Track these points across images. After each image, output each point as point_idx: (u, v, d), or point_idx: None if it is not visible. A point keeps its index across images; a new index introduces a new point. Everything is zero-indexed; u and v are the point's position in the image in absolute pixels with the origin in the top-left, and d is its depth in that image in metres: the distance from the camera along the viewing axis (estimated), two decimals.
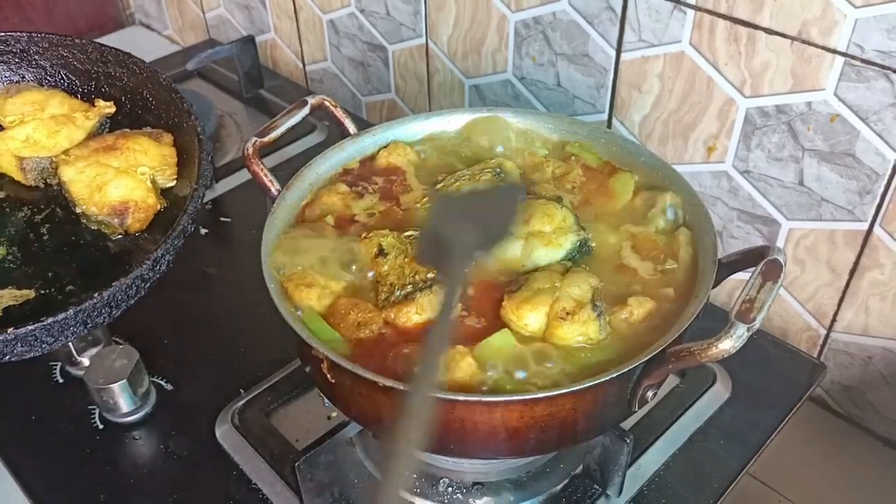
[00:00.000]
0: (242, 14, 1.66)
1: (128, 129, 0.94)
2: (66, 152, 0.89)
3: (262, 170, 0.85)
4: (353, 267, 0.77)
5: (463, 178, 0.86)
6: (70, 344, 0.94)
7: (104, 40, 1.86)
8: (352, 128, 0.93)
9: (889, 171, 0.86)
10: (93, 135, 0.93)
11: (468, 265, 0.67)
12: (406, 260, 0.75)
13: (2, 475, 0.89)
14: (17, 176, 0.92)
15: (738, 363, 0.92)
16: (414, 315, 0.71)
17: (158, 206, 0.87)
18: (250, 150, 0.85)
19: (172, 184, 0.91)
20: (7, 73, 0.98)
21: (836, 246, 0.95)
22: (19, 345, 0.71)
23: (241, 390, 0.94)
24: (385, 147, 0.91)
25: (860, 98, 0.85)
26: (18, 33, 0.96)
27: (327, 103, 0.91)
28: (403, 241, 0.77)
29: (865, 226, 0.91)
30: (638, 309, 0.71)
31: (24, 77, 0.98)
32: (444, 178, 0.87)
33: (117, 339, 1.00)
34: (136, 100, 0.97)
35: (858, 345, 0.99)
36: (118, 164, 0.88)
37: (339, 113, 0.92)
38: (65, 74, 0.99)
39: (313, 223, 0.83)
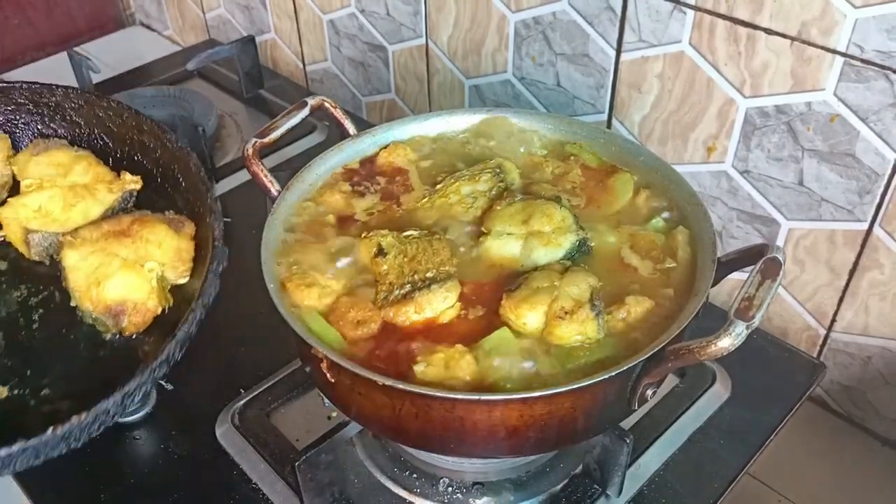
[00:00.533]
0: (242, 14, 1.67)
1: (148, 213, 0.85)
2: (74, 231, 0.82)
3: (262, 170, 0.85)
4: (353, 267, 0.77)
5: (463, 178, 0.86)
6: None
7: (104, 40, 1.89)
8: (351, 128, 0.93)
9: (889, 171, 0.86)
10: (113, 210, 0.86)
11: None
12: (405, 259, 0.75)
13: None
14: (22, 248, 0.85)
15: (738, 363, 0.92)
16: (413, 314, 0.71)
17: (160, 309, 0.80)
18: (250, 151, 0.85)
19: (185, 280, 0.82)
20: (39, 126, 0.90)
21: (835, 246, 0.95)
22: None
23: (241, 390, 0.94)
24: (385, 147, 0.91)
25: (860, 98, 0.85)
26: (54, 86, 0.90)
27: (327, 104, 0.92)
28: (403, 241, 0.77)
29: (865, 226, 0.91)
30: (636, 308, 0.71)
31: (56, 132, 0.91)
32: (444, 178, 0.87)
33: None
34: (167, 175, 0.88)
35: (858, 344, 0.99)
36: (126, 253, 0.80)
37: (338, 114, 0.93)
38: (98, 134, 0.92)
39: (314, 223, 0.83)
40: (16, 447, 0.64)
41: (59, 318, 0.80)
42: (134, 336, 0.79)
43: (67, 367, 0.77)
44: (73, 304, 0.80)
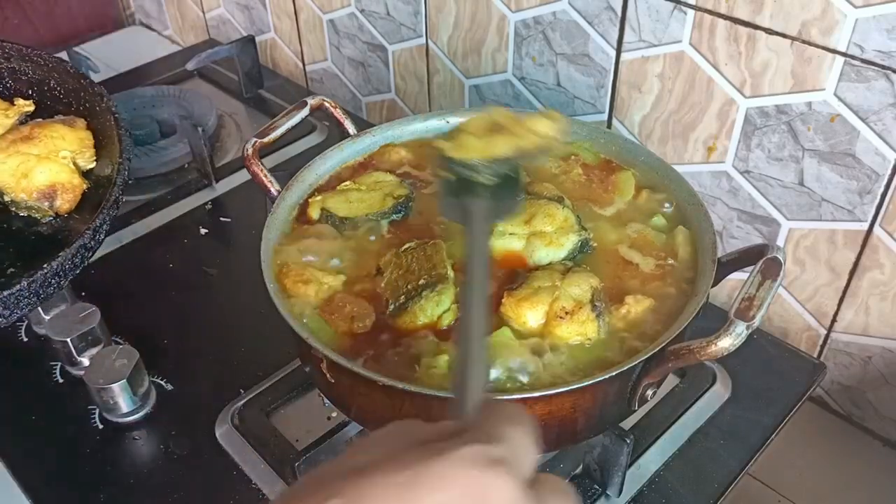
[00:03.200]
0: (242, 14, 1.67)
1: (41, 120, 0.95)
2: None
3: (261, 170, 0.85)
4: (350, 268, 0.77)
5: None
6: (70, 344, 0.94)
7: (104, 40, 1.89)
8: (351, 128, 0.93)
9: (889, 171, 0.86)
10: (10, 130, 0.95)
11: (490, 224, 0.65)
12: (400, 273, 0.75)
13: (2, 475, 0.89)
14: None
15: (739, 363, 0.92)
16: (409, 323, 0.71)
17: (84, 187, 0.91)
18: (250, 151, 0.85)
19: (92, 165, 0.94)
20: None
21: (836, 246, 0.95)
22: None
23: (241, 390, 0.94)
24: (376, 152, 0.92)
25: (860, 98, 0.85)
26: None
27: (327, 104, 0.92)
28: (399, 256, 0.77)
29: (865, 226, 0.91)
30: (636, 307, 0.71)
31: None
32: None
33: (117, 339, 1.00)
34: (43, 91, 1.00)
35: (858, 345, 0.99)
36: (38, 151, 0.90)
37: (338, 113, 0.93)
38: None
39: (314, 225, 0.83)
40: (24, 282, 0.75)
41: None
42: (68, 215, 0.90)
43: (20, 250, 0.86)
44: (6, 199, 0.89)
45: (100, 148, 0.94)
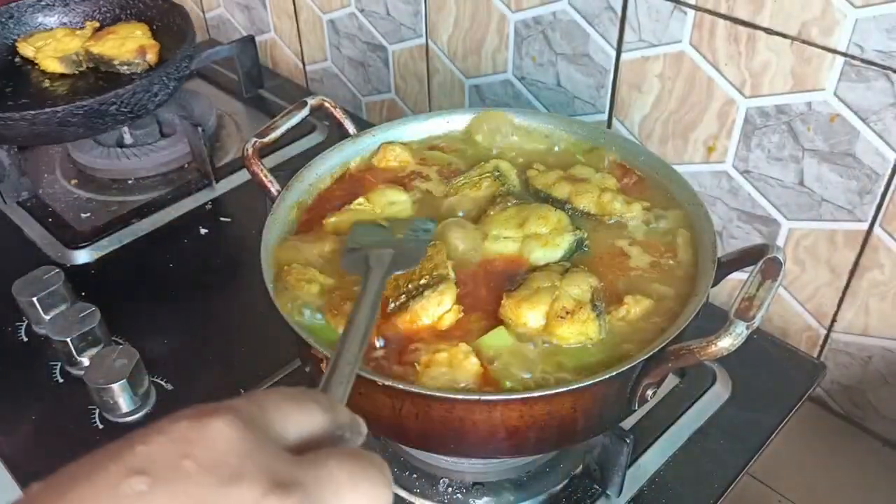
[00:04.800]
0: (242, 14, 1.67)
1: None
2: (84, 43, 1.31)
3: (261, 170, 0.85)
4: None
5: (462, 185, 0.86)
6: (70, 344, 0.94)
7: None
8: (351, 128, 0.93)
9: (889, 171, 0.86)
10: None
11: (387, 277, 0.68)
12: (398, 273, 0.75)
13: (2, 475, 0.89)
14: (60, 69, 1.29)
15: (738, 363, 0.92)
16: (409, 323, 0.71)
17: (158, 46, 1.29)
18: (250, 151, 0.85)
19: (157, 47, 1.31)
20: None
21: (836, 246, 0.95)
22: (82, 118, 1.11)
23: (241, 390, 0.94)
24: (376, 152, 0.91)
25: (860, 98, 0.85)
26: None
27: (327, 104, 0.92)
28: None
29: (865, 226, 0.91)
30: (635, 307, 0.71)
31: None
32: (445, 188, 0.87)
33: (117, 339, 1.00)
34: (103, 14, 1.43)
35: (858, 345, 0.99)
36: (123, 34, 1.31)
37: (338, 113, 0.92)
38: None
39: (314, 228, 0.83)
40: (131, 85, 1.15)
41: (115, 79, 1.28)
42: (154, 69, 1.26)
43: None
44: (116, 63, 1.28)
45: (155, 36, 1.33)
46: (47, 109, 1.09)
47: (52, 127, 1.11)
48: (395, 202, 0.85)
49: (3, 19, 1.36)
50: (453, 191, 0.86)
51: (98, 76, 1.29)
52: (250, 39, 1.47)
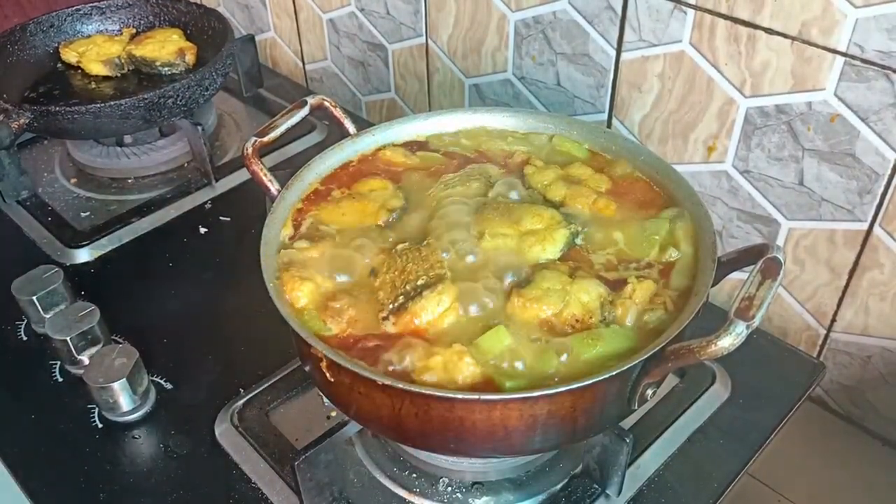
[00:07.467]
0: (242, 13, 1.67)
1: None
2: (125, 47, 1.38)
3: (261, 169, 0.85)
4: (349, 273, 0.77)
5: (452, 186, 0.86)
6: (70, 343, 0.94)
7: None
8: (351, 128, 0.93)
9: (889, 171, 0.86)
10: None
11: None
12: (396, 273, 0.75)
13: (2, 475, 0.89)
14: (103, 72, 1.36)
15: (738, 363, 0.92)
16: (409, 323, 0.71)
17: (195, 47, 1.37)
18: (250, 150, 0.85)
19: (194, 49, 1.38)
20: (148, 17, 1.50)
21: (835, 246, 0.95)
22: (143, 110, 1.19)
23: (241, 389, 0.94)
24: (371, 154, 0.92)
25: (860, 98, 0.85)
26: None
27: (327, 103, 0.91)
28: (394, 257, 0.77)
29: (865, 226, 0.91)
30: (639, 289, 0.71)
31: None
32: (435, 186, 0.87)
33: (117, 339, 1.00)
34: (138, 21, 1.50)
35: (858, 344, 0.99)
36: (161, 37, 1.38)
37: (338, 113, 0.92)
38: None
39: (314, 232, 0.83)
40: (180, 82, 1.22)
41: (156, 81, 1.35)
42: (191, 67, 1.36)
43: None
44: (157, 64, 1.34)
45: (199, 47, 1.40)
46: (111, 103, 1.17)
47: (114, 119, 1.18)
48: (375, 189, 0.86)
49: (45, 28, 1.42)
50: (445, 188, 0.86)
51: (140, 77, 1.36)
52: (250, 39, 1.47)
